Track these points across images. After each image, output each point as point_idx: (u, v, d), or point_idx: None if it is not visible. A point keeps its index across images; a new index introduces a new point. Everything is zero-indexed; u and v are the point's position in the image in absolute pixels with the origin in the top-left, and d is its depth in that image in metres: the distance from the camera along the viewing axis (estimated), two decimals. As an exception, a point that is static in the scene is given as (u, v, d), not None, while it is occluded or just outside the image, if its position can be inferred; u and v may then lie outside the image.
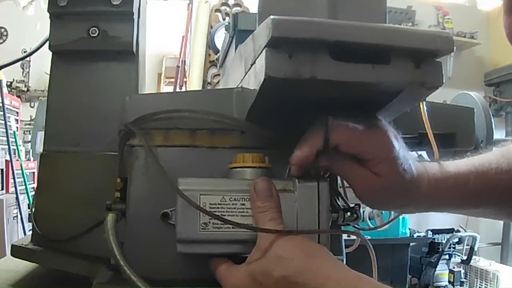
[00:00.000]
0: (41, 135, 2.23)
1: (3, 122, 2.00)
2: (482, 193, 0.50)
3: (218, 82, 2.16)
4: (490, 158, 0.52)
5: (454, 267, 2.54)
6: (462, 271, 2.55)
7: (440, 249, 2.50)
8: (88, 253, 0.62)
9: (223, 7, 3.08)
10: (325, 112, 0.45)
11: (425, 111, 0.54)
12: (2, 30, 2.94)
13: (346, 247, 0.56)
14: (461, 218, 2.81)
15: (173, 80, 2.93)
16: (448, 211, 0.54)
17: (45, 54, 0.73)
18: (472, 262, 2.56)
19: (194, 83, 2.84)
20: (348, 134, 0.45)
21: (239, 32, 0.94)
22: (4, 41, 2.94)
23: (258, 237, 0.43)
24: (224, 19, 3.00)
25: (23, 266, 0.74)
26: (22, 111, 2.44)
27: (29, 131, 2.71)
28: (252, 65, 0.46)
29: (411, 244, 2.47)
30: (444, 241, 2.52)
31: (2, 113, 1.99)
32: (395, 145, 0.46)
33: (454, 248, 2.56)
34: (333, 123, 0.45)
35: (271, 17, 0.38)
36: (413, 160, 0.48)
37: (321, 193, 0.46)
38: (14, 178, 2.01)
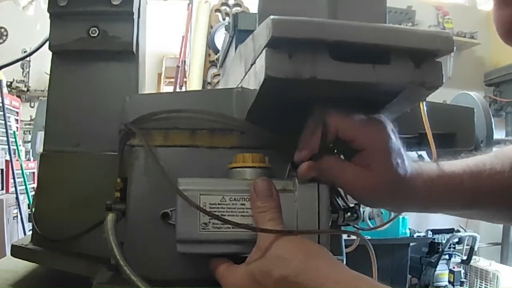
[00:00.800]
0: (41, 135, 2.23)
1: (3, 122, 2.00)
2: (476, 193, 0.50)
3: (218, 82, 2.16)
4: (484, 159, 0.51)
5: (454, 267, 2.54)
6: (462, 271, 2.55)
7: (440, 249, 2.50)
8: (88, 253, 0.62)
9: (223, 7, 3.08)
10: (320, 107, 0.45)
11: (425, 111, 0.54)
12: (2, 30, 2.94)
13: (346, 247, 0.56)
14: (461, 218, 2.81)
15: (173, 80, 2.93)
16: (443, 211, 0.54)
17: (45, 54, 0.73)
18: (472, 262, 2.56)
19: (194, 83, 2.84)
20: (345, 119, 0.45)
21: (239, 32, 0.94)
22: (4, 41, 2.94)
23: (258, 237, 0.43)
24: (224, 19, 3.00)
25: (23, 266, 0.74)
26: (22, 111, 2.44)
27: (29, 131, 2.71)
28: (252, 65, 0.46)
29: (411, 244, 2.47)
30: (444, 241, 2.52)
31: (2, 113, 1.99)
32: (391, 136, 0.46)
33: (454, 248, 2.56)
34: (330, 112, 0.45)
35: (271, 17, 0.38)
36: (409, 159, 0.48)
37: (321, 193, 0.46)
38: (14, 178, 2.01)
